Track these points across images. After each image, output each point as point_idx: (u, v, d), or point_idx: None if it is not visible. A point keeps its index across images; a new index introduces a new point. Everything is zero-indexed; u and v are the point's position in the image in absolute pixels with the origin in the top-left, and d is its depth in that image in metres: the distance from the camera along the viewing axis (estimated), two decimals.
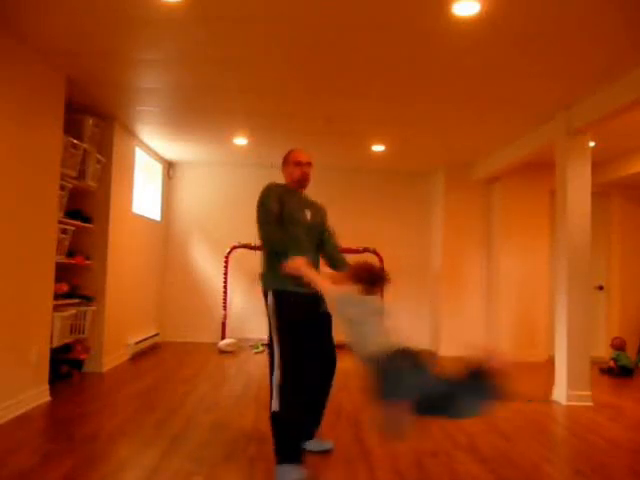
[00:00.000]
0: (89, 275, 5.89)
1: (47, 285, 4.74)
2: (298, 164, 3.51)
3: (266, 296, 3.30)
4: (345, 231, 8.25)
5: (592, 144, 5.53)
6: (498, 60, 4.26)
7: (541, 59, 4.20)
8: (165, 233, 8.57)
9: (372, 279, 2.68)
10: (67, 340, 5.36)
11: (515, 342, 7.74)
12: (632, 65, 4.25)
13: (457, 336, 7.98)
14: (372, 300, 2.64)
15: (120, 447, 3.60)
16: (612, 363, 6.90)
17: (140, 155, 7.27)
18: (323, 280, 2.86)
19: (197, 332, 8.45)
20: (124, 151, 6.48)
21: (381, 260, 7.80)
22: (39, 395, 4.54)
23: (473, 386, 2.24)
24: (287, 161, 3.58)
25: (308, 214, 3.47)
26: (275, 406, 3.13)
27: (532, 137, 6.19)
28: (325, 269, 3.51)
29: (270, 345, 3.33)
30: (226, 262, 8.16)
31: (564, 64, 4.29)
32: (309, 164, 3.55)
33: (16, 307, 4.22)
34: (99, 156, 5.83)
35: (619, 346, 7.05)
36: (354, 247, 7.99)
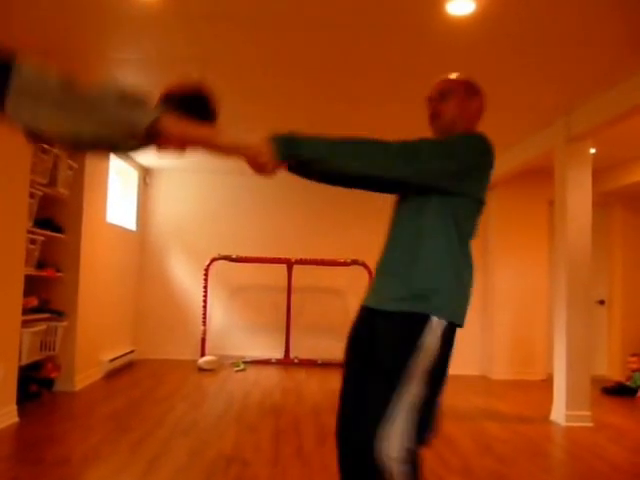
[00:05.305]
0: (60, 288, 5.87)
1: (15, 299, 4.72)
2: None
3: (415, 322, 1.99)
4: (334, 242, 8.38)
5: (593, 151, 5.61)
6: (494, 62, 4.32)
7: (539, 62, 4.27)
8: (141, 244, 8.56)
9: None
10: (36, 357, 5.34)
11: (512, 359, 7.80)
12: (634, 69, 4.34)
13: None
14: None
15: (93, 471, 3.60)
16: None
17: (115, 161, 7.27)
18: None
19: (175, 349, 8.43)
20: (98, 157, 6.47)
21: (370, 273, 7.84)
22: (6, 416, 4.52)
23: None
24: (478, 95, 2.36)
25: None
26: None
27: (530, 143, 6.27)
28: None
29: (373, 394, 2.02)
30: (206, 275, 8.16)
31: (563, 67, 4.36)
32: (431, 98, 2.47)
33: None
34: (71, 162, 5.83)
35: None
36: (342, 259, 8.05)
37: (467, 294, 2.14)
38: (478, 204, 2.13)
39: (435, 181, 2.05)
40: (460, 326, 2.13)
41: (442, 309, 2.02)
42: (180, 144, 1.80)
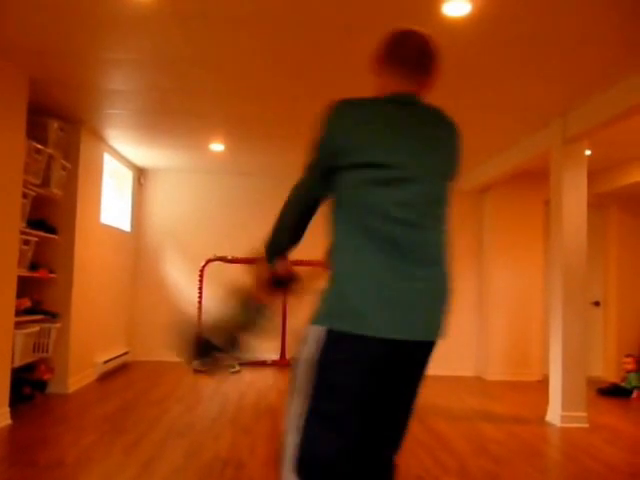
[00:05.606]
0: (53, 290, 5.86)
1: (8, 300, 4.70)
2: None
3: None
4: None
5: (588, 152, 5.62)
6: (490, 63, 4.33)
7: (535, 63, 4.28)
8: (135, 245, 8.54)
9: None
10: (30, 359, 5.32)
11: (508, 360, 7.81)
12: (630, 70, 4.34)
13: (446, 354, 8.02)
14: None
15: (87, 474, 3.59)
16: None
17: (109, 161, 7.27)
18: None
19: (170, 350, 8.39)
20: (91, 157, 6.48)
21: None
22: None
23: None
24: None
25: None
26: None
27: (525, 145, 6.28)
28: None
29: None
30: (201, 276, 8.15)
31: (559, 68, 4.37)
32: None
33: None
34: (64, 162, 5.82)
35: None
36: None
37: (361, 285, 1.69)
38: (367, 169, 1.78)
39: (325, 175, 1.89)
40: (346, 332, 1.68)
41: (320, 313, 1.77)
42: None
